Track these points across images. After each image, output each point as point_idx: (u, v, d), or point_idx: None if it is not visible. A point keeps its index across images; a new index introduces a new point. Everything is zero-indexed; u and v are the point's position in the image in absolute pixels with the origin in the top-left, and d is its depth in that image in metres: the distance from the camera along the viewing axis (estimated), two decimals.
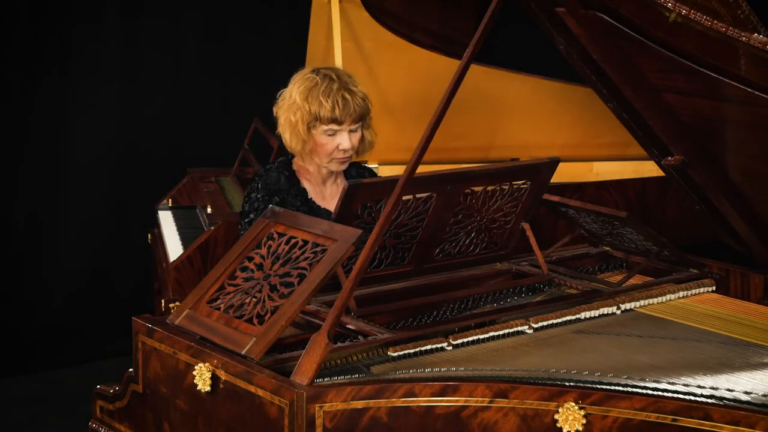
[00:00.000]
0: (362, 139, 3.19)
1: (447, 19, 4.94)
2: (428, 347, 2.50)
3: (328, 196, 3.24)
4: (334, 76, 3.13)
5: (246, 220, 3.17)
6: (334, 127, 3.10)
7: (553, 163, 2.98)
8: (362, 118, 3.15)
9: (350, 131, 3.13)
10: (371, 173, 3.37)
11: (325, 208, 3.20)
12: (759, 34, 2.34)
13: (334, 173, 3.24)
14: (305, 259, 2.43)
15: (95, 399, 2.75)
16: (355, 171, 3.32)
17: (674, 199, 4.47)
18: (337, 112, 3.08)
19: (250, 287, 2.45)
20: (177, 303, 3.67)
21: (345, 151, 3.14)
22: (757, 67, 2.38)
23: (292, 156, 3.27)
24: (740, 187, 2.85)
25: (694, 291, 3.01)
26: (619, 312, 2.83)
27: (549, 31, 2.87)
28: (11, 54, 5.18)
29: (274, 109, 3.22)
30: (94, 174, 5.47)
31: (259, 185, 3.19)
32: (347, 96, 3.10)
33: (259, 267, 2.48)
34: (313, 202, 3.21)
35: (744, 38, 2.33)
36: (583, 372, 2.36)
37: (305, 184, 3.23)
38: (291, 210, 3.06)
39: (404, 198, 2.68)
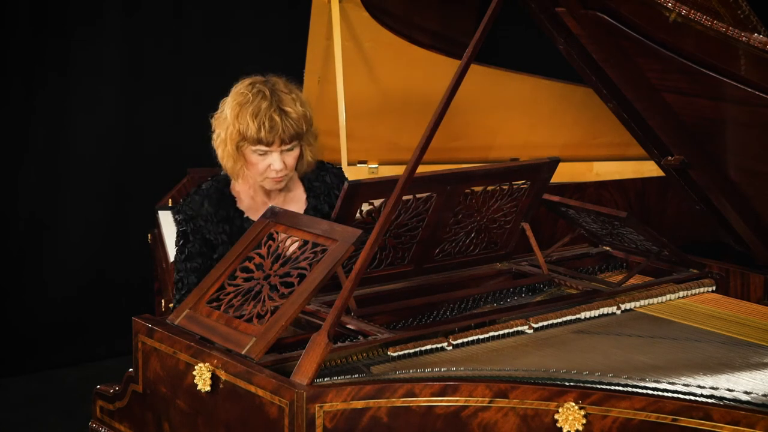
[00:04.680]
0: (301, 157, 3.02)
1: (447, 19, 4.94)
2: (428, 347, 2.50)
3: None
4: (268, 93, 2.94)
5: (177, 248, 3.08)
6: (262, 148, 2.94)
7: (553, 163, 2.98)
8: (296, 138, 2.96)
9: (283, 151, 2.95)
10: (337, 174, 3.20)
11: None
12: (759, 34, 2.33)
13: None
14: (305, 259, 2.43)
15: (95, 399, 2.75)
16: (313, 175, 3.14)
17: (674, 199, 4.47)
18: (262, 133, 2.90)
19: (250, 287, 2.45)
20: None
21: (277, 171, 2.96)
22: (757, 67, 2.38)
23: None
24: (740, 187, 2.85)
25: (694, 291, 3.01)
26: (619, 312, 2.83)
27: (549, 31, 2.87)
28: (11, 54, 5.18)
29: (212, 121, 3.09)
30: (94, 174, 5.47)
31: (180, 208, 3.06)
32: (276, 117, 2.91)
33: (259, 267, 2.48)
34: (249, 220, 3.03)
35: (744, 38, 2.33)
36: (583, 372, 2.36)
37: (243, 201, 3.07)
38: (209, 237, 3.01)
39: (404, 198, 2.68)
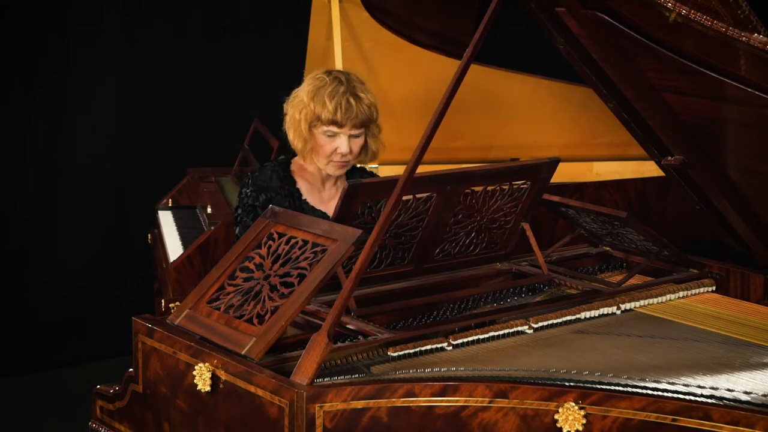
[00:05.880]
0: (366, 147, 3.19)
1: (447, 19, 4.94)
2: (428, 347, 2.50)
3: (326, 198, 3.24)
4: (344, 80, 3.14)
5: (236, 215, 3.20)
6: (334, 129, 3.11)
7: (553, 163, 2.98)
8: (365, 125, 3.14)
9: (351, 136, 3.13)
10: (372, 175, 3.35)
11: (320, 210, 3.19)
12: (759, 34, 2.33)
13: (333, 176, 3.24)
14: (305, 259, 2.43)
15: (95, 399, 2.75)
16: (359, 175, 3.30)
17: (674, 199, 4.47)
18: (338, 114, 3.08)
19: (250, 287, 2.45)
20: (177, 303, 3.66)
21: (343, 155, 3.13)
22: (757, 67, 2.38)
23: (293, 156, 3.28)
24: (740, 187, 2.85)
25: (694, 291, 3.01)
26: (619, 312, 2.83)
27: (549, 31, 2.87)
28: (11, 54, 5.18)
29: (285, 106, 3.24)
30: (94, 174, 5.47)
31: (250, 181, 3.19)
32: (352, 101, 3.10)
33: (259, 267, 2.48)
34: (307, 203, 3.20)
35: (744, 38, 2.33)
36: (583, 372, 2.36)
37: (301, 185, 3.22)
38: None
39: (404, 198, 2.68)
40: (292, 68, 3.26)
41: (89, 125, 5.41)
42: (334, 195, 3.24)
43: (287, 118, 3.21)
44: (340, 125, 3.10)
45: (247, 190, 3.18)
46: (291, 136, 3.19)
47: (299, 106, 3.16)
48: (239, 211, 3.18)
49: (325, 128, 3.11)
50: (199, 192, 4.78)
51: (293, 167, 3.25)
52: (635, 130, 2.98)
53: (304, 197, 3.21)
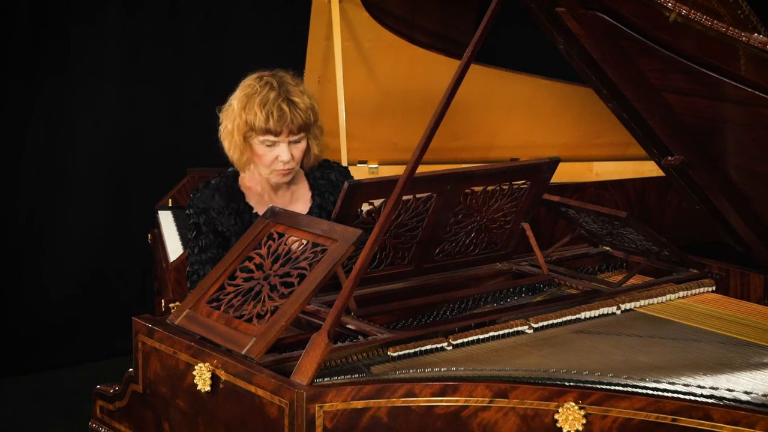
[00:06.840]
0: (308, 150, 3.05)
1: (447, 19, 4.94)
2: (428, 347, 2.50)
3: (280, 204, 3.10)
4: (276, 84, 2.99)
5: (190, 241, 3.09)
6: (270, 138, 2.97)
7: (553, 163, 2.98)
8: (304, 129, 3.00)
9: (290, 142, 2.99)
10: (342, 173, 3.23)
11: None
12: (759, 34, 2.33)
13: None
14: (305, 259, 2.43)
15: (95, 399, 2.76)
16: (319, 172, 3.18)
17: (674, 199, 4.47)
18: (271, 123, 2.94)
19: (250, 287, 2.45)
20: (177, 303, 3.67)
21: (285, 162, 3.00)
22: (757, 67, 2.38)
23: None
24: (740, 188, 2.85)
25: (694, 291, 3.01)
26: (619, 312, 2.83)
27: (549, 31, 2.87)
28: (11, 54, 5.18)
29: (220, 115, 3.11)
30: (94, 174, 5.46)
31: (191, 203, 3.08)
32: (284, 107, 2.95)
33: (259, 267, 2.48)
34: (257, 215, 3.05)
35: (744, 38, 2.33)
36: (583, 372, 2.36)
37: (251, 197, 3.10)
38: (221, 229, 3.03)
39: (404, 198, 2.68)
40: (292, 68, 3.23)
41: (89, 125, 5.41)
42: (290, 200, 3.13)
43: (221, 128, 3.07)
44: (276, 133, 2.96)
45: (189, 211, 3.07)
46: (226, 146, 3.06)
47: (231, 116, 3.03)
48: (193, 233, 3.07)
49: (261, 138, 2.97)
50: None
51: (242, 179, 3.12)
52: (635, 130, 2.98)
53: (255, 210, 3.08)
